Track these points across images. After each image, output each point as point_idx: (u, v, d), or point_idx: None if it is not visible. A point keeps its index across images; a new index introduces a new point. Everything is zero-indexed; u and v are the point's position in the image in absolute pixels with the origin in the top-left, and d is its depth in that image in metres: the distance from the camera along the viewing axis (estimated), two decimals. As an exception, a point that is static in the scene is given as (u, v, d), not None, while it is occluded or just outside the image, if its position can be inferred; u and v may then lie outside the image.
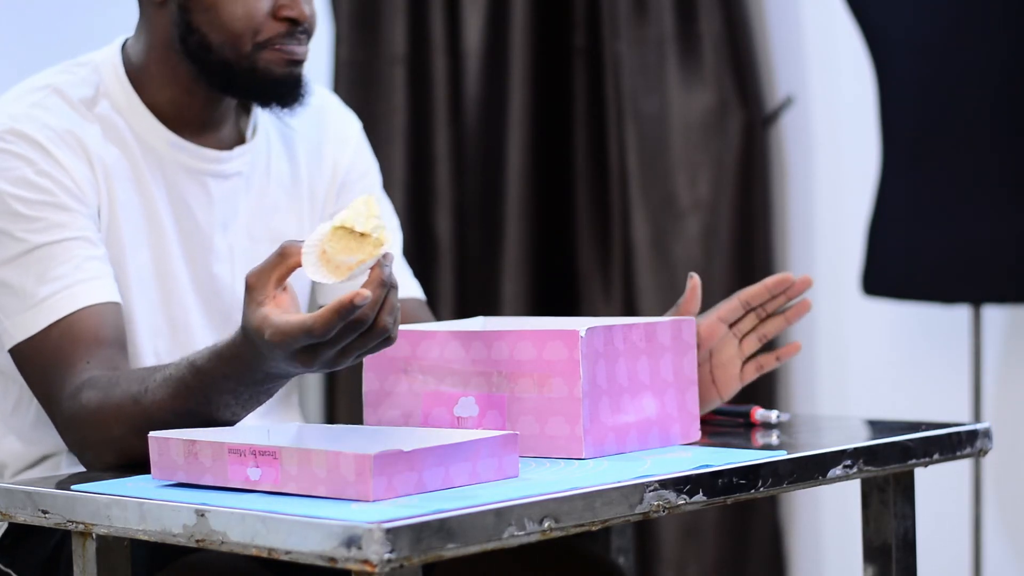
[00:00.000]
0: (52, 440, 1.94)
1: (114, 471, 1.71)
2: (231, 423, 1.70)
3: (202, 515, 1.45)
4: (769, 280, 1.90)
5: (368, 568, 1.33)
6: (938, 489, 3.19)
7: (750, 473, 1.62)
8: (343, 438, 1.65)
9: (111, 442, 1.74)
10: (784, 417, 1.95)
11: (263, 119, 2.09)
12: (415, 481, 1.46)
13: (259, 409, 1.76)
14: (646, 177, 3.51)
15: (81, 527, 1.57)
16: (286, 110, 2.01)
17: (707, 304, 1.95)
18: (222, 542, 1.44)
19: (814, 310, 1.93)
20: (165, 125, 2.00)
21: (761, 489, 1.63)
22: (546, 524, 1.44)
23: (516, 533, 1.42)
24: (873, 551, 1.86)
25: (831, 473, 1.70)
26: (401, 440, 1.59)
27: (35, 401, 1.94)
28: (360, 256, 1.53)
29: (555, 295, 3.59)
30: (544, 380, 1.67)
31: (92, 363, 1.80)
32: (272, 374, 1.63)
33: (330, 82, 3.51)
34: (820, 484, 1.70)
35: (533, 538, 1.44)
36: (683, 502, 1.56)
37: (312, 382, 3.54)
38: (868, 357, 3.47)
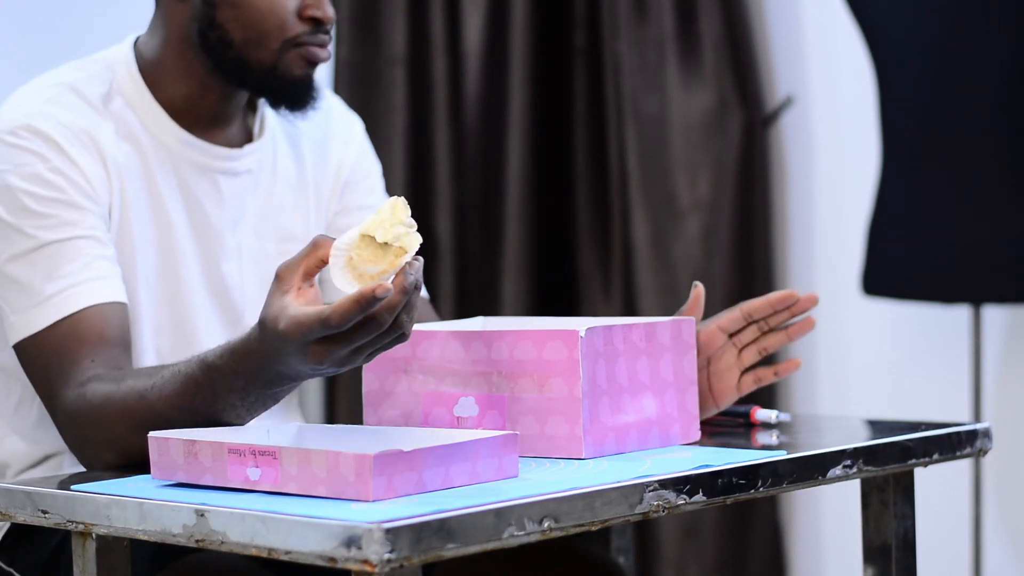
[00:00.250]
0: (54, 440, 1.94)
1: (113, 470, 1.71)
2: (233, 424, 1.70)
3: (202, 515, 1.45)
4: (773, 295, 1.89)
5: (368, 568, 1.33)
6: (938, 489, 3.19)
7: (750, 473, 1.62)
8: (343, 438, 1.65)
9: (112, 440, 1.73)
10: (784, 417, 1.94)
11: (270, 117, 2.10)
12: (415, 481, 1.46)
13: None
14: (646, 177, 3.51)
15: (81, 527, 1.57)
16: (296, 113, 2.02)
17: (707, 306, 1.95)
18: (222, 542, 1.44)
19: (814, 310, 1.92)
20: (177, 122, 2.00)
21: (761, 489, 1.63)
22: (546, 524, 1.44)
23: (516, 533, 1.42)
24: (873, 551, 1.86)
25: (831, 473, 1.70)
26: (401, 440, 1.59)
27: (37, 400, 1.94)
28: (382, 266, 1.52)
29: (555, 295, 3.59)
30: (544, 380, 1.67)
31: (96, 361, 1.80)
32: (281, 373, 1.61)
33: (330, 82, 3.51)
34: (820, 484, 1.70)
35: (533, 538, 1.44)
36: (683, 502, 1.56)
37: (312, 381, 3.54)
38: (868, 357, 3.47)
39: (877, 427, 1.95)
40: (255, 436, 1.64)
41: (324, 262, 1.57)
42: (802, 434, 1.92)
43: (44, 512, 1.59)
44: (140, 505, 1.51)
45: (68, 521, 1.57)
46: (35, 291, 1.84)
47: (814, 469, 1.69)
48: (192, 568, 1.87)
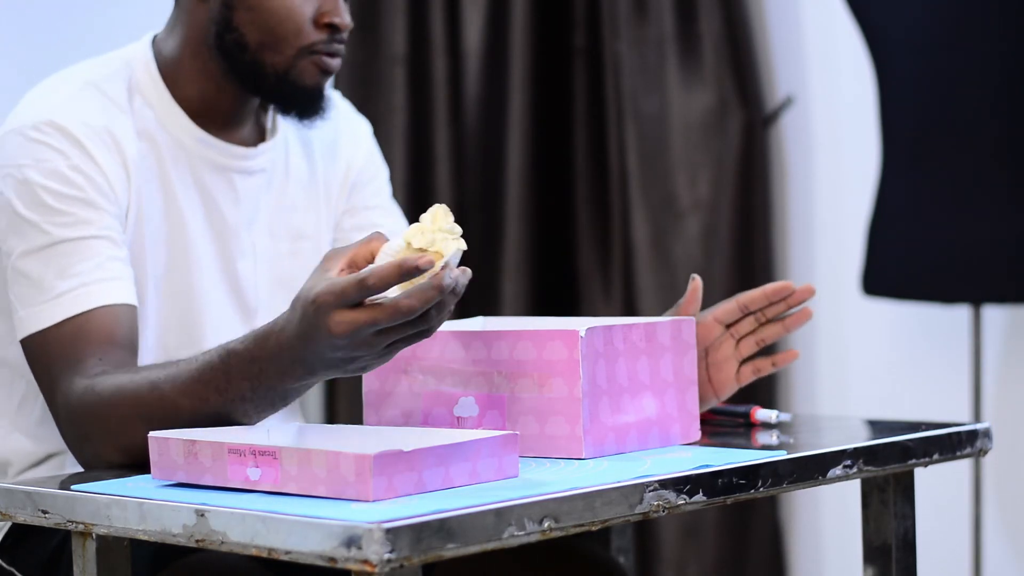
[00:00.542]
0: (57, 438, 1.94)
1: (112, 469, 1.71)
2: (239, 423, 1.69)
3: (202, 515, 1.45)
4: (768, 287, 1.89)
5: (368, 568, 1.33)
6: (938, 489, 3.19)
7: (750, 473, 1.62)
8: (343, 438, 1.65)
9: (119, 431, 1.72)
10: (784, 417, 1.94)
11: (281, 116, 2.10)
12: (415, 481, 1.46)
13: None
14: (646, 177, 3.51)
15: (81, 527, 1.57)
16: (305, 121, 2.02)
17: (707, 304, 1.95)
18: (222, 542, 1.44)
19: (815, 309, 1.92)
20: (194, 121, 2.00)
21: (761, 489, 1.63)
22: (546, 524, 1.44)
23: (516, 533, 1.42)
24: (873, 551, 1.86)
25: (831, 473, 1.70)
26: (401, 440, 1.59)
27: (41, 399, 1.94)
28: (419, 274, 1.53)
29: (555, 295, 3.59)
30: (544, 380, 1.67)
31: (104, 360, 1.80)
32: (298, 358, 1.59)
33: (330, 82, 3.51)
34: (820, 484, 1.70)
35: (533, 538, 1.44)
36: (683, 502, 1.56)
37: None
38: (868, 357, 3.47)
39: (877, 427, 1.95)
40: (255, 436, 1.64)
41: (373, 255, 1.57)
42: (802, 434, 1.92)
43: (44, 512, 1.59)
44: (140, 505, 1.51)
45: (68, 521, 1.57)
46: (46, 287, 1.84)
47: (814, 469, 1.69)
48: (193, 568, 1.87)
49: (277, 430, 1.66)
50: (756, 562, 3.50)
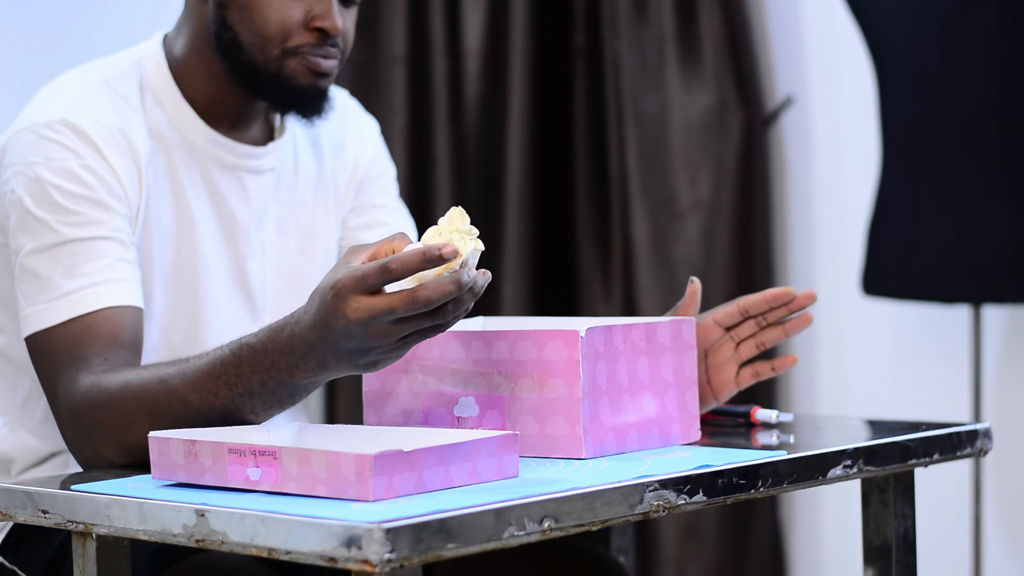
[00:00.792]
0: (61, 438, 1.94)
1: (112, 468, 1.71)
2: (246, 420, 1.69)
3: (202, 515, 1.45)
4: (770, 292, 1.89)
5: (368, 568, 1.33)
6: (938, 489, 3.19)
7: (750, 473, 1.62)
8: (343, 438, 1.65)
9: (122, 427, 1.71)
10: (784, 417, 1.94)
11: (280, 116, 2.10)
12: (415, 481, 1.46)
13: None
14: (646, 177, 3.51)
15: (81, 527, 1.57)
16: (304, 120, 2.02)
17: (706, 305, 1.95)
18: (222, 542, 1.44)
19: (814, 309, 1.92)
20: (203, 120, 2.00)
21: (761, 489, 1.63)
22: (546, 524, 1.44)
23: (516, 533, 1.42)
24: (873, 551, 1.86)
25: (831, 473, 1.70)
26: (401, 440, 1.59)
27: (45, 397, 1.94)
28: (437, 272, 1.53)
29: (555, 295, 3.59)
30: (544, 380, 1.67)
31: (108, 360, 1.80)
32: (310, 350, 1.59)
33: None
34: (820, 484, 1.69)
35: (533, 538, 1.44)
36: (683, 502, 1.56)
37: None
38: (868, 357, 3.47)
39: (877, 427, 1.95)
40: (255, 436, 1.64)
41: (395, 253, 1.57)
42: (802, 434, 1.92)
43: (44, 512, 1.59)
44: (140, 505, 1.51)
45: (68, 521, 1.57)
46: (53, 286, 1.84)
47: (814, 469, 1.69)
48: (196, 568, 1.87)
49: (277, 430, 1.66)
50: (756, 562, 3.50)
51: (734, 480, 1.60)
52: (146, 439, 1.61)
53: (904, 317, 3.37)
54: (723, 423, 1.95)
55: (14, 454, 2.00)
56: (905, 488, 1.85)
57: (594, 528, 1.49)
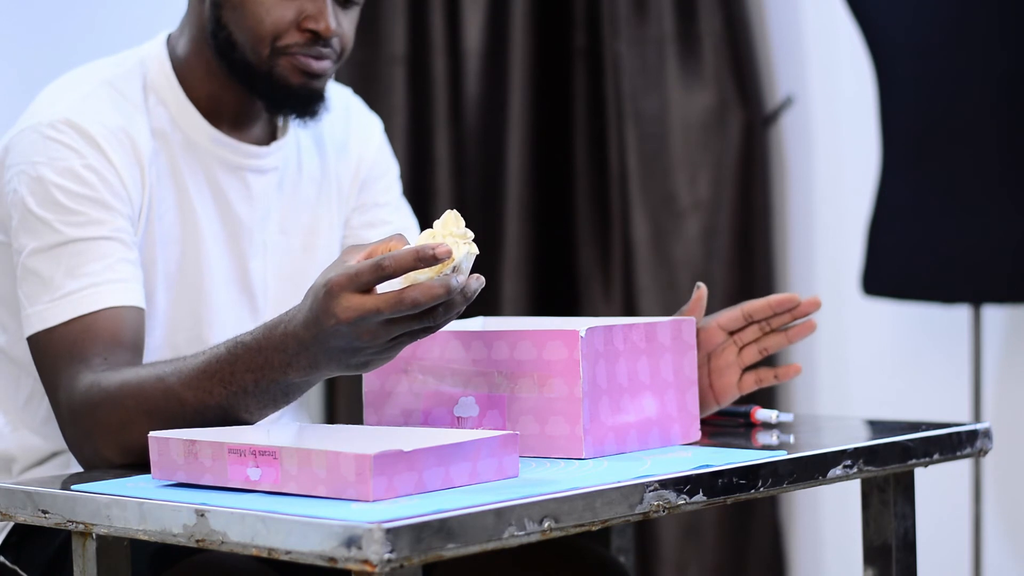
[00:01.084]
0: (62, 437, 1.94)
1: (113, 468, 1.71)
2: (242, 419, 1.69)
3: (202, 515, 1.45)
4: (774, 298, 1.89)
5: (368, 568, 1.33)
6: (938, 489, 3.19)
7: (750, 473, 1.62)
8: (343, 438, 1.65)
9: (121, 425, 1.72)
10: (784, 417, 1.94)
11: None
12: (415, 481, 1.46)
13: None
14: (646, 177, 3.51)
15: (81, 527, 1.57)
16: (298, 121, 2.02)
17: (708, 307, 1.95)
18: (222, 542, 1.44)
19: (815, 311, 1.92)
20: (206, 119, 2.00)
21: (761, 489, 1.63)
22: (546, 524, 1.44)
23: (516, 533, 1.42)
24: (873, 551, 1.86)
25: (831, 473, 1.70)
26: (401, 440, 1.59)
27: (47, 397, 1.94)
28: (429, 274, 1.53)
29: (555, 295, 3.59)
30: (544, 380, 1.67)
31: (109, 360, 1.80)
32: (304, 349, 1.59)
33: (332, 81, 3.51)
34: (820, 484, 1.69)
35: (533, 538, 1.44)
36: (683, 502, 1.56)
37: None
38: (868, 357, 3.47)
39: (877, 427, 1.95)
40: (255, 436, 1.64)
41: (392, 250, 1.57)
42: (802, 434, 1.92)
43: (44, 512, 1.59)
44: (140, 505, 1.51)
45: (68, 521, 1.57)
46: (55, 286, 1.84)
47: (814, 469, 1.69)
48: (197, 568, 1.87)
49: (277, 430, 1.66)
50: (756, 562, 3.50)
51: (734, 480, 1.60)
52: (145, 438, 1.62)
53: (904, 317, 3.37)
54: (723, 423, 1.94)
55: (16, 453, 2.00)
56: (905, 488, 1.85)
57: (594, 528, 1.49)
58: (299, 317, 1.60)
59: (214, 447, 1.53)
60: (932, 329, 3.34)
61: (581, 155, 3.55)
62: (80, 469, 1.83)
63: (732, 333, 1.90)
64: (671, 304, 3.44)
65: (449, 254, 1.51)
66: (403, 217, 2.19)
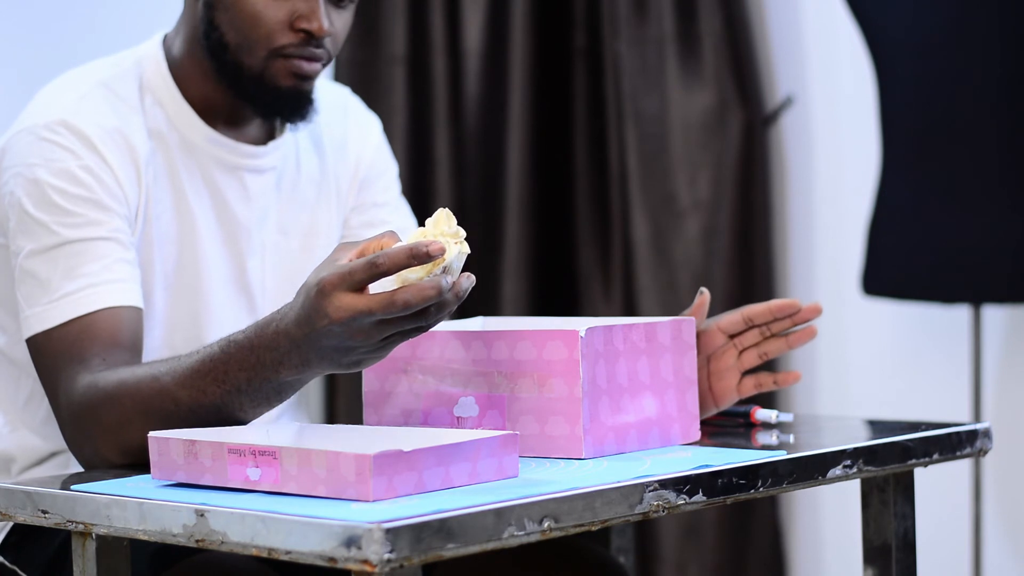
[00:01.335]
0: (62, 437, 1.94)
1: (112, 468, 1.71)
2: (236, 418, 1.69)
3: (202, 515, 1.46)
4: (775, 303, 1.88)
5: (368, 568, 1.33)
6: (938, 489, 3.19)
7: (750, 473, 1.62)
8: (343, 438, 1.65)
9: (119, 425, 1.72)
10: (784, 417, 1.94)
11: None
12: (415, 481, 1.46)
13: (271, 412, 1.75)
14: (646, 177, 3.51)
15: (81, 527, 1.57)
16: (288, 124, 2.02)
17: (710, 308, 1.95)
18: (222, 542, 1.44)
19: (814, 312, 1.92)
20: (203, 120, 2.00)
21: (761, 489, 1.63)
22: (546, 524, 1.44)
23: (516, 533, 1.42)
24: (873, 551, 1.86)
25: (831, 473, 1.70)
26: (401, 440, 1.59)
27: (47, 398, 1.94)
28: (420, 274, 1.53)
29: (555, 295, 3.59)
30: (544, 380, 1.67)
31: (107, 361, 1.80)
32: (296, 348, 1.59)
33: (330, 81, 3.51)
34: (820, 484, 1.69)
35: (533, 538, 1.44)
36: (683, 502, 1.56)
37: (312, 381, 3.54)
38: (868, 357, 3.47)
39: (877, 427, 1.95)
40: (255, 436, 1.64)
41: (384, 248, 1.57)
42: (802, 434, 1.92)
43: (44, 512, 1.59)
44: (140, 505, 1.51)
45: (68, 521, 1.57)
46: (53, 287, 1.84)
47: (814, 469, 1.69)
48: (196, 568, 1.87)
49: (277, 430, 1.66)
50: (756, 562, 3.50)
51: (734, 480, 1.60)
52: (143, 438, 1.62)
53: (904, 317, 3.37)
54: (723, 423, 1.94)
55: (15, 453, 2.00)
56: (905, 488, 1.85)
57: (594, 528, 1.49)
58: (290, 315, 1.60)
59: (214, 447, 1.53)
60: (932, 329, 3.34)
61: (581, 155, 3.55)
62: (79, 469, 1.83)
63: (732, 336, 1.90)
64: (671, 304, 3.44)
65: (443, 251, 1.51)
66: (402, 217, 2.19)
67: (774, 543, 3.51)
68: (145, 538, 1.51)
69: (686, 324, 1.79)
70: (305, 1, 1.93)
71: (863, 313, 3.40)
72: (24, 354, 1.93)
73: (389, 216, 2.17)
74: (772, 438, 1.83)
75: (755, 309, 1.89)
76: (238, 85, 1.97)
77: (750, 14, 3.54)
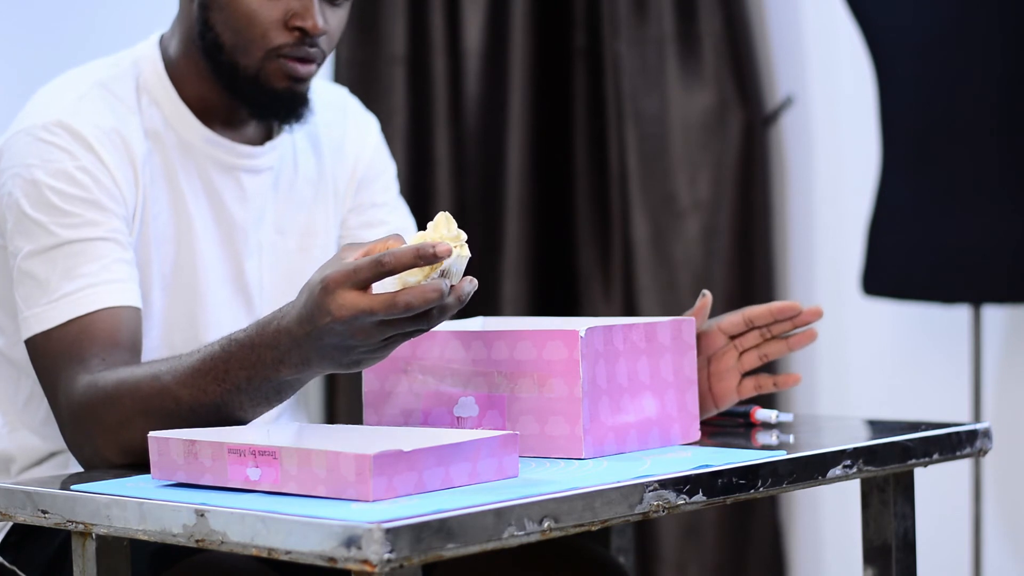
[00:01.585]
0: (61, 437, 1.94)
1: (112, 468, 1.71)
2: (236, 417, 1.69)
3: (202, 515, 1.46)
4: (775, 305, 1.88)
5: (368, 568, 1.33)
6: (938, 489, 3.19)
7: (750, 473, 1.62)
8: (343, 438, 1.65)
9: (119, 425, 1.72)
10: (784, 417, 1.94)
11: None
12: (415, 481, 1.46)
13: (271, 412, 1.75)
14: (646, 177, 3.51)
15: (81, 527, 1.57)
16: (283, 125, 2.02)
17: (711, 310, 1.95)
18: (222, 542, 1.44)
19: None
20: (200, 120, 2.00)
21: (761, 489, 1.63)
22: (546, 524, 1.44)
23: (516, 533, 1.42)
24: (873, 551, 1.86)
25: (831, 473, 1.70)
26: (401, 440, 1.59)
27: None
28: (419, 276, 1.53)
29: (555, 295, 3.59)
30: (544, 380, 1.67)
31: (107, 361, 1.80)
32: (296, 346, 1.59)
33: (329, 81, 3.51)
34: (820, 484, 1.69)
35: (533, 538, 1.44)
36: (683, 502, 1.56)
37: (312, 381, 3.54)
38: (868, 357, 3.47)
39: (877, 427, 1.95)
40: (255, 436, 1.64)
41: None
42: (802, 434, 1.92)
43: (44, 512, 1.59)
44: (140, 505, 1.51)
45: (68, 521, 1.57)
46: (51, 288, 1.84)
47: (814, 469, 1.69)
48: (196, 568, 1.87)
49: (277, 430, 1.66)
50: (756, 562, 3.50)
51: (734, 480, 1.60)
52: (143, 437, 1.62)
53: (904, 317, 3.37)
54: (723, 423, 1.94)
55: (15, 453, 2.00)
56: (905, 488, 1.85)
57: (594, 528, 1.49)
58: (292, 314, 1.60)
59: (214, 447, 1.53)
60: (932, 329, 3.34)
61: (581, 155, 3.55)
62: (79, 469, 1.83)
63: (733, 338, 1.90)
64: (671, 304, 3.44)
65: (449, 252, 1.51)
66: (400, 217, 2.19)
67: (774, 543, 3.51)
68: (145, 538, 1.51)
69: (686, 324, 1.79)
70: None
71: (863, 313, 3.40)
72: (23, 355, 1.93)
73: (387, 216, 2.17)
74: (772, 438, 1.83)
75: (756, 311, 1.89)
76: (234, 86, 1.97)
77: (750, 14, 3.54)
